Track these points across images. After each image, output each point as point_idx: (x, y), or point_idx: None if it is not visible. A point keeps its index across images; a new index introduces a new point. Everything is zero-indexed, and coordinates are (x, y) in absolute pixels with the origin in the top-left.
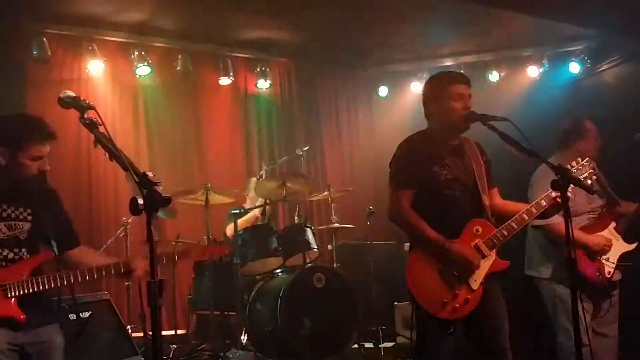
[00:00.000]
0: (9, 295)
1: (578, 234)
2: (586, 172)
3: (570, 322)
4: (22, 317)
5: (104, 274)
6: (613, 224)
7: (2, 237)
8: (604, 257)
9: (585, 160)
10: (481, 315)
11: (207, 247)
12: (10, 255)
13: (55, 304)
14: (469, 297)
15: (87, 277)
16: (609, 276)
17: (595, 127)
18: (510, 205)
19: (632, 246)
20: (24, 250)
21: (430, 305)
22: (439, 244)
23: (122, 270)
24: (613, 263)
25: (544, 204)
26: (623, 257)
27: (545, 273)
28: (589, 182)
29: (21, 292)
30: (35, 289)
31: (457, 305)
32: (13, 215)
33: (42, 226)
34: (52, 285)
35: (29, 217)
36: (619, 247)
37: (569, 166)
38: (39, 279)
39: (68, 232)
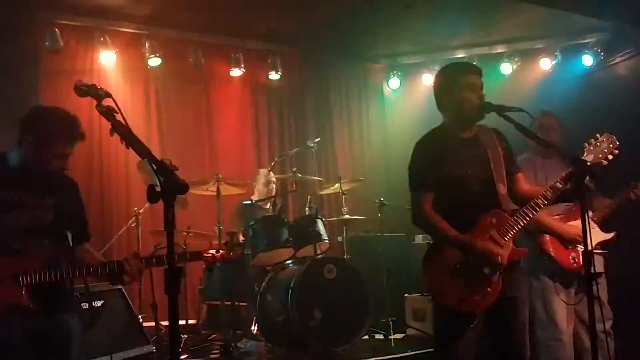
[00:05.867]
0: (21, 284)
1: (552, 222)
2: (605, 147)
3: (547, 315)
4: (31, 305)
5: (114, 270)
6: (590, 214)
7: (24, 227)
8: (580, 246)
9: (603, 136)
10: (502, 303)
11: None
12: (30, 245)
13: (72, 292)
14: (488, 289)
15: (100, 272)
16: None
17: (555, 119)
18: (536, 190)
19: (610, 235)
20: (44, 240)
21: (450, 300)
22: (463, 242)
23: (115, 270)
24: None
25: (560, 186)
26: (601, 245)
27: None
28: (610, 156)
29: (33, 282)
30: (47, 279)
31: (477, 298)
32: (37, 205)
33: (63, 217)
34: (65, 277)
35: (53, 207)
36: (596, 235)
37: (586, 143)
38: (52, 271)
39: (83, 226)
